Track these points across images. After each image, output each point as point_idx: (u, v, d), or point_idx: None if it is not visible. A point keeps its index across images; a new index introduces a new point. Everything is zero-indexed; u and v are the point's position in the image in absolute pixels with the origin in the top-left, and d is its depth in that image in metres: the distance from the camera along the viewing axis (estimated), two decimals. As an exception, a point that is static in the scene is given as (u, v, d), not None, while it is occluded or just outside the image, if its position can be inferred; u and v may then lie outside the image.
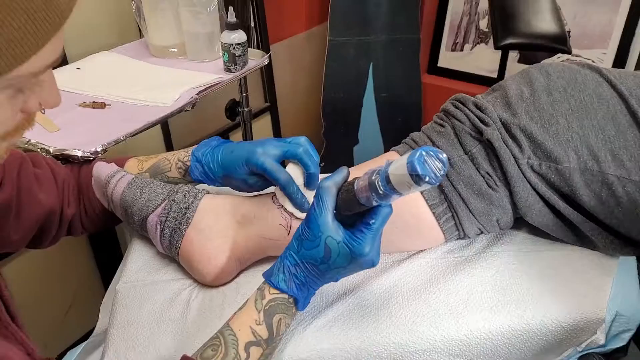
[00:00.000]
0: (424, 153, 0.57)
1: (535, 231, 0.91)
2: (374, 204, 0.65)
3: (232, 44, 1.28)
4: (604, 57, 2.11)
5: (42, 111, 0.54)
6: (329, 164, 2.21)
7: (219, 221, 0.88)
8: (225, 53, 1.29)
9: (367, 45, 2.20)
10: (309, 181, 0.85)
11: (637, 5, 1.99)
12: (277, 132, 2.21)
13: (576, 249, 0.87)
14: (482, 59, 2.31)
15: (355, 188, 0.66)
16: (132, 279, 0.90)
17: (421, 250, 0.90)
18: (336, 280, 0.73)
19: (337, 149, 2.36)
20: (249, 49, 1.33)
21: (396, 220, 0.81)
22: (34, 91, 0.52)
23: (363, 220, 0.67)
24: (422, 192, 0.83)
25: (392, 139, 2.37)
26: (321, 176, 1.07)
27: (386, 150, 2.40)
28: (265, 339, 0.70)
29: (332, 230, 0.67)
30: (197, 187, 0.92)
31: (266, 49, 1.91)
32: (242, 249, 0.87)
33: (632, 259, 0.87)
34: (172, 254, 0.89)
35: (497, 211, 0.83)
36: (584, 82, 0.84)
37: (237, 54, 1.29)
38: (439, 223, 0.84)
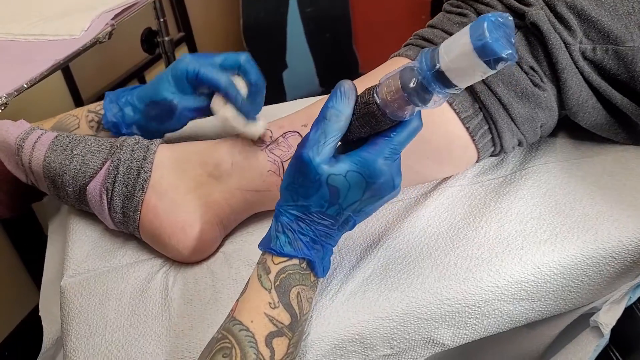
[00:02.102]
0: (492, 22, 0.41)
1: (573, 135, 0.76)
2: (407, 116, 0.48)
3: (145, -50, 1.00)
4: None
5: None
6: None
7: (186, 177, 0.66)
8: (138, -36, 1.01)
9: (285, -48, 1.92)
10: (254, 96, 0.68)
11: None
12: (197, 66, 1.92)
13: (628, 149, 0.73)
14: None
15: (378, 99, 0.48)
16: (81, 270, 0.67)
17: (446, 178, 0.73)
18: (352, 227, 0.55)
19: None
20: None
21: (423, 146, 0.64)
22: None
23: (380, 135, 0.50)
24: (450, 104, 0.65)
25: (323, 58, 2.16)
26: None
27: (320, 73, 2.22)
28: (288, 324, 0.52)
29: (331, 168, 0.50)
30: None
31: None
32: (224, 209, 0.67)
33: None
34: (129, 229, 0.67)
35: (543, 115, 0.67)
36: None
37: (153, -36, 1.01)
38: (473, 140, 0.66)
